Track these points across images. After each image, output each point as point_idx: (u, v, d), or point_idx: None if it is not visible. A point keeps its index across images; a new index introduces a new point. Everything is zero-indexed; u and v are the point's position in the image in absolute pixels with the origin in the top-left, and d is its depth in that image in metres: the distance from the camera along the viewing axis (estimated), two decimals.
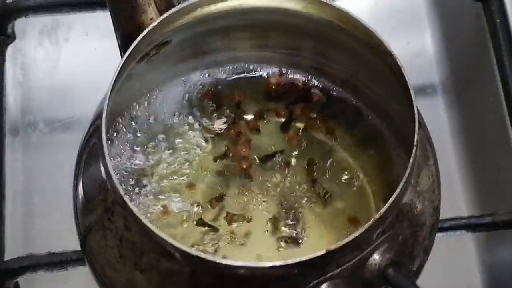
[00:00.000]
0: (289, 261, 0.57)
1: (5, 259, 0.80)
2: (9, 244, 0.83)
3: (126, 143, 0.74)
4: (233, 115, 0.76)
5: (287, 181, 0.73)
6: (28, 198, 0.91)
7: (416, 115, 0.62)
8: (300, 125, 0.76)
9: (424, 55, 1.01)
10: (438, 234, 0.70)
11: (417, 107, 0.63)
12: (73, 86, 0.98)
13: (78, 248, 0.71)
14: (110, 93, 0.64)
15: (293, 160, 0.74)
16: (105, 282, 0.65)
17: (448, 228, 0.79)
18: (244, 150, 0.74)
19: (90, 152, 0.67)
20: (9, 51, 0.96)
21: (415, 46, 1.01)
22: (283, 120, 0.76)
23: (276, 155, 0.74)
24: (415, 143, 0.61)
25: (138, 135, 0.74)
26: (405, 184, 0.60)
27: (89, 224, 0.65)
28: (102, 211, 0.63)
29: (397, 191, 0.59)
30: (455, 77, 0.99)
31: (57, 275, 0.79)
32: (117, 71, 0.64)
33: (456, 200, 0.91)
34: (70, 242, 0.74)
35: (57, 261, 0.77)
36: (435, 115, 0.96)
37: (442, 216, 0.69)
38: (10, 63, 0.97)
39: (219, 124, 0.76)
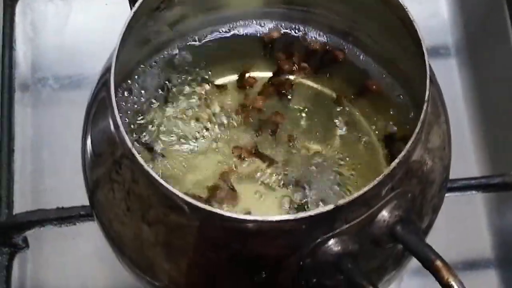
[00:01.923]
0: (297, 216, 0.56)
1: (14, 213, 0.80)
2: (18, 199, 0.84)
3: (135, 100, 0.73)
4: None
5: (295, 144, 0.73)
6: (37, 154, 0.91)
7: (428, 71, 0.61)
8: (312, 84, 0.75)
9: (437, 16, 1.00)
10: (448, 194, 0.69)
11: (429, 63, 0.62)
12: (83, 42, 0.98)
13: (86, 203, 0.71)
14: (119, 46, 0.63)
15: (303, 123, 0.74)
16: (113, 236, 0.65)
17: (459, 188, 0.78)
18: (260, 102, 0.74)
19: (98, 106, 0.66)
20: (19, 6, 0.96)
21: (428, 7, 1.00)
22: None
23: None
24: (426, 98, 0.60)
25: (147, 94, 0.74)
26: (415, 140, 0.59)
27: (97, 178, 0.65)
28: (110, 165, 0.63)
29: (407, 147, 0.58)
30: (469, 38, 0.98)
31: (65, 230, 0.80)
32: (126, 24, 0.64)
33: (467, 161, 0.91)
34: (79, 198, 0.74)
35: (66, 216, 0.77)
36: (448, 76, 0.95)
37: (452, 176, 0.69)
38: (20, 19, 0.97)
39: (230, 80, 0.75)
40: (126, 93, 0.73)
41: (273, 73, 0.76)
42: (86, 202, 0.70)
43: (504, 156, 0.88)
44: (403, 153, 0.58)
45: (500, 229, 0.88)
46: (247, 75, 0.76)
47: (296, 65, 0.76)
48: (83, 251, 0.86)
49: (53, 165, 0.91)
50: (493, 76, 0.93)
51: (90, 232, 0.79)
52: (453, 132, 0.69)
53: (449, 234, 0.85)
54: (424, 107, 0.60)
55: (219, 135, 0.73)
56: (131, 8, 0.70)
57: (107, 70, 0.65)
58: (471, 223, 0.89)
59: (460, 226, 0.87)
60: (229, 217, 0.56)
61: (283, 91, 0.75)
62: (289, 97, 0.75)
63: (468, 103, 0.94)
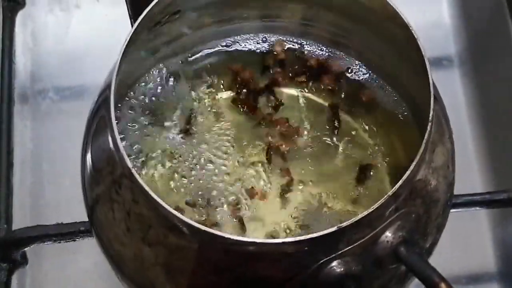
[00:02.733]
0: (300, 238, 0.56)
1: (13, 228, 0.80)
2: (17, 213, 0.83)
3: (136, 115, 0.72)
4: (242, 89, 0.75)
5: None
6: (37, 167, 0.91)
7: (432, 90, 0.60)
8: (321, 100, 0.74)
9: (440, 26, 0.99)
10: (452, 210, 0.68)
11: (433, 81, 0.61)
12: (83, 53, 0.97)
13: (86, 218, 0.70)
14: (120, 62, 0.62)
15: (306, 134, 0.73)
16: (112, 255, 0.64)
17: (463, 204, 0.78)
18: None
19: (98, 123, 0.65)
20: (19, 17, 0.95)
21: (432, 17, 0.99)
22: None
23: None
24: (430, 118, 0.59)
25: (148, 108, 0.73)
26: (419, 160, 0.58)
27: (97, 196, 0.65)
28: (110, 183, 0.62)
29: (411, 167, 0.58)
30: (472, 48, 0.97)
31: (65, 246, 0.79)
32: (127, 40, 0.63)
33: (470, 176, 0.90)
34: (79, 212, 0.73)
35: (66, 232, 0.77)
36: (451, 87, 0.95)
37: (456, 191, 0.68)
38: (20, 29, 0.96)
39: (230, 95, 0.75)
40: (128, 107, 0.72)
41: (266, 86, 0.75)
42: (86, 217, 0.70)
43: (508, 171, 0.87)
44: (407, 174, 0.58)
45: (503, 244, 0.87)
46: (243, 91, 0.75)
47: (294, 78, 0.75)
48: (82, 267, 0.85)
49: (53, 179, 0.90)
50: (497, 88, 0.92)
51: (89, 248, 0.78)
52: (456, 146, 0.68)
53: (452, 249, 0.84)
54: (428, 128, 0.59)
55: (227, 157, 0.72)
56: (131, 24, 0.70)
57: (107, 86, 0.64)
58: (474, 238, 0.88)
59: (463, 241, 0.87)
60: (230, 239, 0.56)
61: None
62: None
63: (472, 116, 0.93)
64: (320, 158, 0.71)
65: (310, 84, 0.75)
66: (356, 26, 0.72)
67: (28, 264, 0.82)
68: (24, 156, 0.90)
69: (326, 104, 0.74)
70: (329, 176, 0.71)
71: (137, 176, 0.57)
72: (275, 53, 0.75)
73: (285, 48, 0.75)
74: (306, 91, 0.75)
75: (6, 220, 0.80)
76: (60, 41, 0.98)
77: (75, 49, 0.98)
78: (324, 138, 0.72)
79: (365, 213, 0.56)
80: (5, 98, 0.88)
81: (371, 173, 0.70)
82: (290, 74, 0.75)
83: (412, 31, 0.63)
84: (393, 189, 0.57)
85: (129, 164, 0.58)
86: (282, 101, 0.74)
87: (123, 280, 0.65)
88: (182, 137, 0.72)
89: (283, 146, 0.71)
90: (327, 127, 0.73)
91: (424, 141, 0.58)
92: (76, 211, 0.75)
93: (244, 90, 0.74)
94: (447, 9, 1.00)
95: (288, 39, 0.76)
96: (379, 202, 0.57)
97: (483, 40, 0.96)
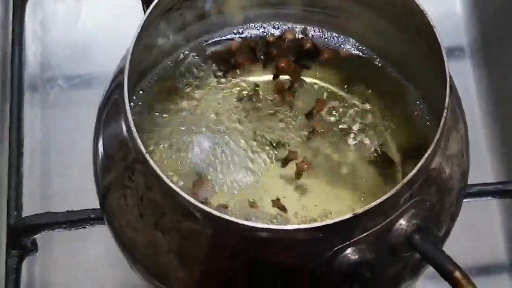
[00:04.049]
0: (314, 225, 0.55)
1: (23, 215, 0.79)
2: (27, 201, 0.83)
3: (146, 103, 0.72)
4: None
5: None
6: (46, 156, 0.90)
7: (448, 78, 0.60)
8: (331, 87, 0.74)
9: (452, 17, 0.99)
10: (464, 200, 0.68)
11: (448, 68, 0.61)
12: (93, 42, 0.97)
13: (95, 206, 0.70)
14: (134, 47, 0.62)
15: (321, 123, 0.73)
16: (125, 242, 0.64)
17: (475, 193, 0.77)
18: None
19: (111, 108, 0.65)
20: (29, 5, 0.95)
21: (443, 7, 0.99)
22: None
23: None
24: (446, 105, 0.59)
25: (160, 95, 0.72)
26: (434, 148, 0.58)
27: (109, 183, 0.64)
28: (123, 169, 0.62)
29: (426, 155, 0.57)
30: (483, 39, 0.97)
31: (75, 233, 0.79)
32: (141, 25, 0.63)
33: (482, 166, 0.89)
34: (88, 200, 0.73)
35: (76, 219, 0.76)
36: (463, 78, 0.94)
37: (468, 182, 0.68)
38: (30, 18, 0.96)
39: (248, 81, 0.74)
40: (141, 92, 0.71)
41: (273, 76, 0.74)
42: (95, 205, 0.70)
43: None
44: (422, 161, 0.57)
45: None
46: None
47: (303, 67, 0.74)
48: (92, 254, 0.85)
49: (62, 167, 0.90)
50: (509, 78, 0.92)
51: (99, 235, 0.78)
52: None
53: (463, 239, 0.84)
54: (444, 114, 0.59)
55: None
56: (143, 9, 0.69)
57: (120, 71, 0.64)
58: (485, 228, 0.88)
59: (474, 232, 0.86)
60: (244, 225, 0.55)
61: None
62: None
63: (483, 106, 0.93)
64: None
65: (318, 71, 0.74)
66: (367, 12, 0.71)
67: (38, 251, 0.81)
68: (34, 144, 0.90)
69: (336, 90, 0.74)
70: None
71: (151, 161, 0.57)
72: (286, 40, 0.74)
73: (297, 36, 0.75)
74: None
75: (16, 208, 0.80)
76: (69, 30, 0.98)
77: (85, 37, 0.98)
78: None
79: (380, 200, 0.56)
80: (15, 86, 0.87)
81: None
82: (297, 61, 0.74)
83: (428, 18, 0.62)
84: (408, 176, 0.57)
85: (143, 149, 0.58)
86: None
87: (135, 267, 0.65)
88: (194, 125, 0.71)
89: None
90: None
91: (440, 128, 0.58)
92: (84, 199, 0.75)
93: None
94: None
95: (298, 26, 0.75)
96: (394, 189, 0.56)
97: (495, 31, 0.96)
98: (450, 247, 0.65)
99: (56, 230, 0.77)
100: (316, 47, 0.74)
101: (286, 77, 0.74)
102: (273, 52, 0.74)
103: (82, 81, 0.95)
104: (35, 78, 0.95)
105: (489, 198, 0.79)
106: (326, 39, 0.75)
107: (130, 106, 0.59)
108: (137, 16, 0.66)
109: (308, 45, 0.74)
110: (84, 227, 0.77)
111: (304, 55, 0.74)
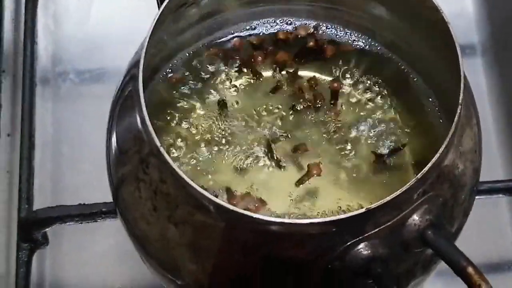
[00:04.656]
0: (327, 219, 0.55)
1: (34, 209, 0.80)
2: (38, 194, 0.83)
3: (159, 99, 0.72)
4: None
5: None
6: (57, 149, 0.91)
7: (462, 74, 0.60)
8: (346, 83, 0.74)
9: (463, 15, 0.99)
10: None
11: (462, 64, 0.61)
12: (105, 36, 0.97)
13: (107, 200, 0.70)
14: (149, 40, 0.62)
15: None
16: (137, 235, 0.64)
17: (485, 191, 0.77)
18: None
19: (125, 101, 0.65)
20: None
21: (455, 6, 0.99)
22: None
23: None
24: (460, 101, 0.59)
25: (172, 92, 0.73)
26: (448, 144, 0.58)
27: (122, 175, 0.64)
28: (137, 162, 0.62)
29: (440, 150, 0.58)
30: (495, 38, 0.97)
31: (85, 226, 0.79)
32: (156, 18, 0.63)
33: (492, 163, 0.89)
34: (99, 194, 0.74)
35: (87, 213, 0.76)
36: (474, 76, 0.94)
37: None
38: (42, 12, 0.96)
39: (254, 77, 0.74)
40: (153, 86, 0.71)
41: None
42: (106, 198, 0.70)
43: None
44: (436, 157, 0.57)
45: None
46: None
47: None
48: (102, 247, 0.85)
49: (73, 161, 0.90)
50: None
51: (109, 228, 0.79)
52: None
53: (472, 236, 0.83)
54: (458, 110, 0.59)
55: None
56: (158, 4, 0.69)
57: (135, 64, 0.64)
58: (495, 226, 0.88)
59: (484, 229, 0.86)
60: (258, 218, 0.55)
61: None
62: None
63: (494, 104, 0.93)
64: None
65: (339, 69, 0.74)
66: (382, 9, 0.71)
67: (48, 244, 0.81)
68: (45, 137, 0.90)
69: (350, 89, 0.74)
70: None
71: (165, 154, 0.57)
72: (299, 36, 0.74)
73: (310, 32, 0.75)
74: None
75: (27, 201, 0.80)
76: (81, 24, 0.98)
77: (96, 32, 0.98)
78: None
79: (393, 195, 0.56)
80: (27, 80, 0.88)
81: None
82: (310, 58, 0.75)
83: (443, 14, 0.62)
84: (422, 171, 0.57)
85: (158, 143, 0.58)
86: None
87: (147, 261, 0.65)
88: (207, 120, 0.71)
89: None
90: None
91: (454, 123, 0.58)
92: (95, 193, 0.75)
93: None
94: None
95: (311, 23, 0.75)
96: (407, 184, 0.56)
97: (506, 30, 0.96)
98: (460, 244, 0.65)
99: (67, 224, 0.77)
100: (323, 44, 0.75)
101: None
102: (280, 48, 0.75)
103: (93, 75, 0.95)
104: (47, 72, 0.95)
105: (500, 195, 0.79)
106: (337, 36, 0.75)
107: (145, 99, 0.59)
108: (149, 12, 0.66)
109: (312, 43, 0.74)
110: (96, 221, 0.77)
111: (310, 52, 0.75)
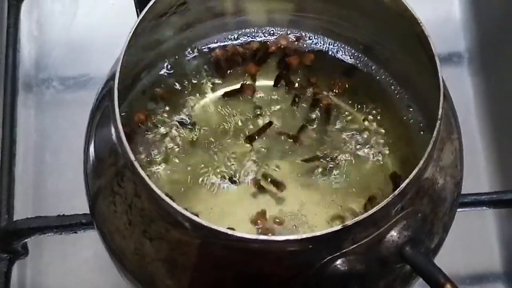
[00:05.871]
0: (304, 236, 0.55)
1: (15, 218, 0.79)
2: (19, 204, 0.82)
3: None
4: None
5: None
6: (40, 158, 0.90)
7: (442, 88, 0.59)
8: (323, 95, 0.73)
9: (450, 22, 0.98)
10: (458, 210, 0.67)
11: (442, 78, 0.60)
12: (89, 42, 0.96)
13: (88, 210, 0.69)
14: (125, 53, 0.61)
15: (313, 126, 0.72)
16: (114, 248, 0.63)
17: (469, 203, 0.76)
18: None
19: (102, 113, 0.65)
20: (25, 4, 0.94)
21: (442, 13, 0.98)
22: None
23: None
24: (439, 117, 0.58)
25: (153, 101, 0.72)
26: (427, 158, 0.57)
27: (99, 188, 0.64)
28: (112, 175, 0.61)
29: (419, 166, 0.57)
30: (482, 45, 0.96)
31: (66, 237, 0.78)
32: (132, 31, 0.62)
33: (478, 175, 0.89)
34: (82, 203, 0.72)
35: (67, 224, 0.76)
36: (460, 84, 0.94)
37: (463, 191, 0.67)
38: (25, 17, 0.95)
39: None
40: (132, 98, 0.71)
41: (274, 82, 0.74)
42: (88, 209, 0.69)
43: None
44: (414, 172, 0.57)
45: (510, 244, 0.86)
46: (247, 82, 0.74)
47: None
48: (83, 258, 0.85)
49: (56, 169, 0.89)
50: (507, 85, 0.91)
51: (90, 239, 0.78)
52: (464, 145, 0.67)
53: (458, 249, 0.83)
54: (437, 125, 0.58)
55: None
56: (137, 14, 0.69)
57: (111, 77, 0.63)
58: (480, 238, 0.87)
59: (469, 241, 0.86)
60: (233, 235, 0.54)
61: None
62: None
63: (480, 114, 0.92)
64: None
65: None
66: (363, 20, 0.70)
67: (28, 255, 0.81)
68: (27, 145, 0.89)
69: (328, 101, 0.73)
70: None
71: (139, 168, 0.56)
72: (280, 46, 0.74)
73: (291, 41, 0.74)
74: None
75: (7, 211, 0.79)
76: (65, 30, 0.97)
77: (80, 38, 0.97)
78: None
79: (371, 212, 0.55)
80: (9, 87, 0.87)
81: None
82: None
83: (423, 27, 0.61)
84: (400, 187, 0.56)
85: (132, 157, 0.57)
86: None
87: (124, 274, 0.64)
88: (188, 131, 0.71)
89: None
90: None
91: (433, 138, 0.57)
92: (78, 202, 0.74)
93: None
94: (458, 5, 0.99)
95: (292, 32, 0.74)
96: (385, 201, 0.55)
97: (494, 37, 0.95)
98: (445, 257, 0.65)
99: (47, 234, 0.77)
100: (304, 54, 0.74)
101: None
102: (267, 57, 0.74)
103: (77, 82, 0.95)
104: (30, 78, 0.94)
105: (484, 208, 0.78)
106: (322, 46, 0.74)
107: (120, 114, 0.59)
108: (134, 18, 0.66)
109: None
110: (75, 232, 0.76)
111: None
